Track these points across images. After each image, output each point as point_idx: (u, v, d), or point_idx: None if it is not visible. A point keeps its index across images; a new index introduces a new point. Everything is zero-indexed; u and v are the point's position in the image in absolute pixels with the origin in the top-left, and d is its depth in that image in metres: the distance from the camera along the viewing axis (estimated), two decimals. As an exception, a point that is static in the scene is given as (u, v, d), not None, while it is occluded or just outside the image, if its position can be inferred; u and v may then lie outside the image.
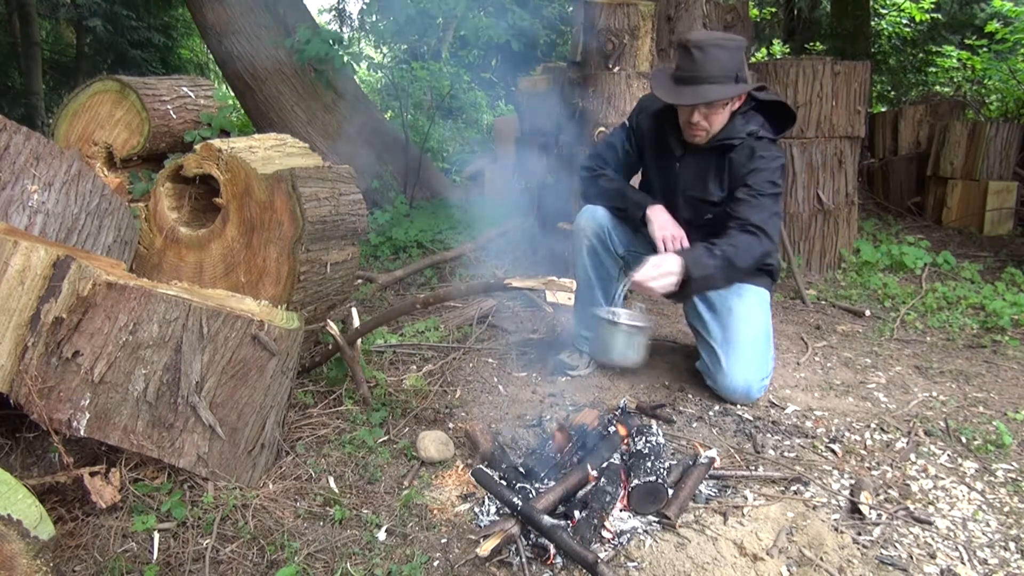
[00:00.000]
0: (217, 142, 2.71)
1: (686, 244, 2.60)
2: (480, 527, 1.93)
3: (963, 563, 1.84)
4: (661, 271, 2.30)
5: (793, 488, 2.15)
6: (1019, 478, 2.26)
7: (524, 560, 1.78)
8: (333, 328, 2.54)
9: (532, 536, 1.85)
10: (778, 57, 10.56)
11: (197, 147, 2.73)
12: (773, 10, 12.69)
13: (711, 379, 2.72)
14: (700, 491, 2.10)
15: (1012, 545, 1.92)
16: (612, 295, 2.91)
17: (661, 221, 2.66)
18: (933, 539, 1.94)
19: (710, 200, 2.65)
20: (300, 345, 2.22)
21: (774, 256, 2.79)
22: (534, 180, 5.40)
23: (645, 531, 1.90)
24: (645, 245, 2.72)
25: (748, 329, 2.67)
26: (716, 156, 2.61)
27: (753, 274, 2.74)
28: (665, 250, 2.57)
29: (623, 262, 2.84)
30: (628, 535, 1.88)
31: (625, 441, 2.22)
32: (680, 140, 2.67)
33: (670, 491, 2.00)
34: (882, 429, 2.55)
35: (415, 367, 2.98)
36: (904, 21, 10.35)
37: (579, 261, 2.91)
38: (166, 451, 1.94)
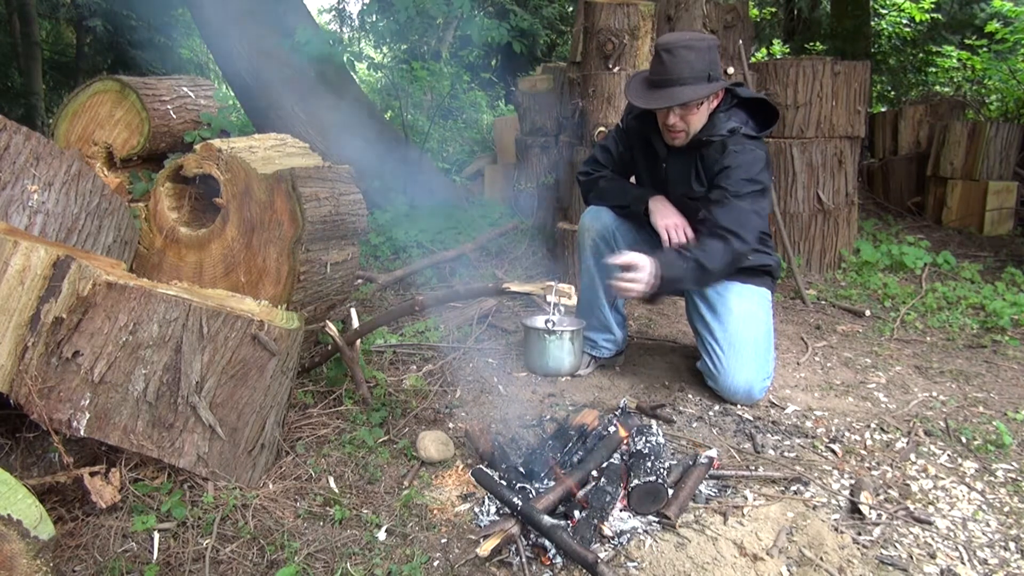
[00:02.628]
0: (217, 142, 2.71)
1: (689, 232, 2.64)
2: (480, 527, 1.93)
3: (963, 563, 1.84)
4: (634, 274, 2.34)
5: (793, 488, 2.15)
6: (1019, 478, 2.26)
7: (524, 560, 1.78)
8: (332, 329, 2.54)
9: (532, 536, 1.85)
10: (778, 57, 10.56)
11: (197, 147, 2.73)
12: (773, 10, 12.69)
13: (712, 380, 2.72)
14: (700, 491, 2.10)
15: (1012, 545, 1.92)
16: (613, 298, 2.91)
17: (663, 211, 2.69)
18: (933, 539, 1.94)
19: (697, 197, 2.66)
20: (300, 345, 2.22)
21: (772, 256, 2.79)
22: (534, 180, 5.40)
23: (645, 531, 1.90)
24: (649, 243, 2.72)
25: (749, 330, 2.67)
26: (697, 154, 2.63)
27: (752, 274, 2.74)
28: (669, 239, 2.62)
29: None
30: (628, 535, 1.88)
31: (625, 441, 2.22)
32: (664, 141, 2.68)
33: (670, 491, 2.00)
34: (882, 429, 2.55)
35: (415, 367, 2.98)
36: (904, 21, 10.34)
37: (583, 261, 2.92)
38: (166, 451, 1.94)
